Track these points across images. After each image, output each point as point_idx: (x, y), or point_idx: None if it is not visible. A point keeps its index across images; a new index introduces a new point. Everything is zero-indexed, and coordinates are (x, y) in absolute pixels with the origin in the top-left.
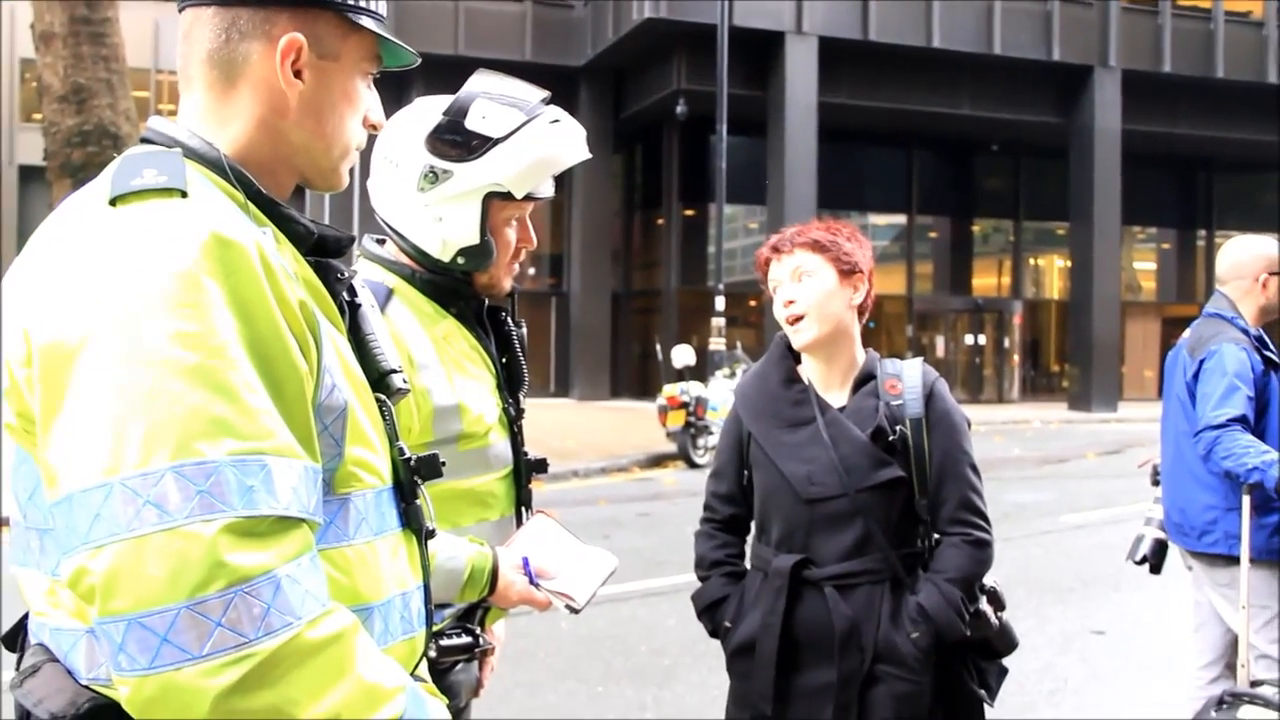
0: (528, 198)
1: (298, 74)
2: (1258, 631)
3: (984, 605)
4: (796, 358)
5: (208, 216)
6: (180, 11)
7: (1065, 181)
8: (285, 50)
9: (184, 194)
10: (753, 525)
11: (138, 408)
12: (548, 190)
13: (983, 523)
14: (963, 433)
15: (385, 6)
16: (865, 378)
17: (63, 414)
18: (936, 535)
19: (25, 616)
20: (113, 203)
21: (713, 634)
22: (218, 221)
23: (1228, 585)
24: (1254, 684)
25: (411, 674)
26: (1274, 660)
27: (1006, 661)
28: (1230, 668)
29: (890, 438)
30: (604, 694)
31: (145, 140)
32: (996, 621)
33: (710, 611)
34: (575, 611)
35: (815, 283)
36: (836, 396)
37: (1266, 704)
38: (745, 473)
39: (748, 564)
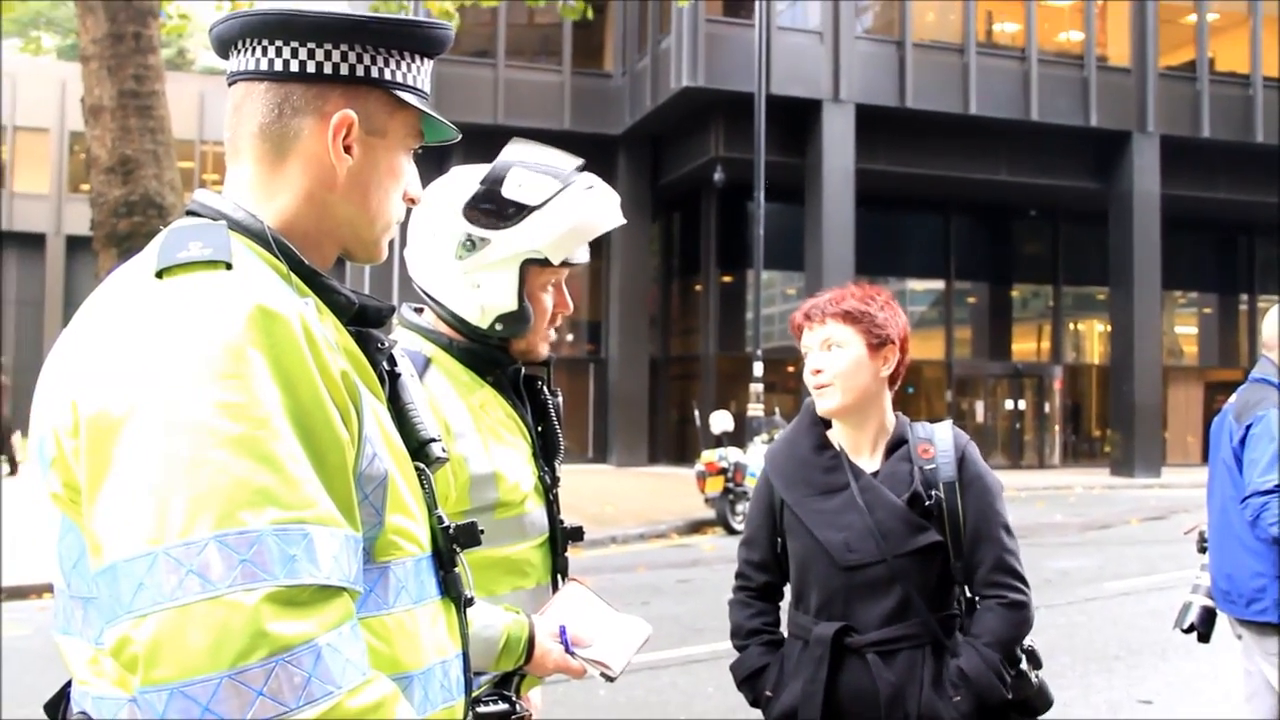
0: (564, 264)
1: (347, 149)
2: None
3: (1024, 665)
4: (826, 424)
5: (252, 288)
6: (230, 85)
7: (1104, 247)
8: (338, 126)
9: (229, 266)
10: (788, 592)
11: (181, 477)
12: (583, 256)
13: (1019, 584)
14: (996, 495)
15: (429, 84)
16: (897, 443)
17: (108, 484)
18: (973, 597)
19: (68, 684)
20: (159, 275)
21: (753, 703)
22: (262, 293)
23: (1279, 654)
24: None
25: None
26: None
27: None
28: None
29: (927, 503)
30: None
31: (191, 213)
32: (1036, 680)
33: (751, 681)
34: (611, 679)
35: (844, 354)
36: (867, 462)
37: None
38: (778, 540)
39: (784, 630)
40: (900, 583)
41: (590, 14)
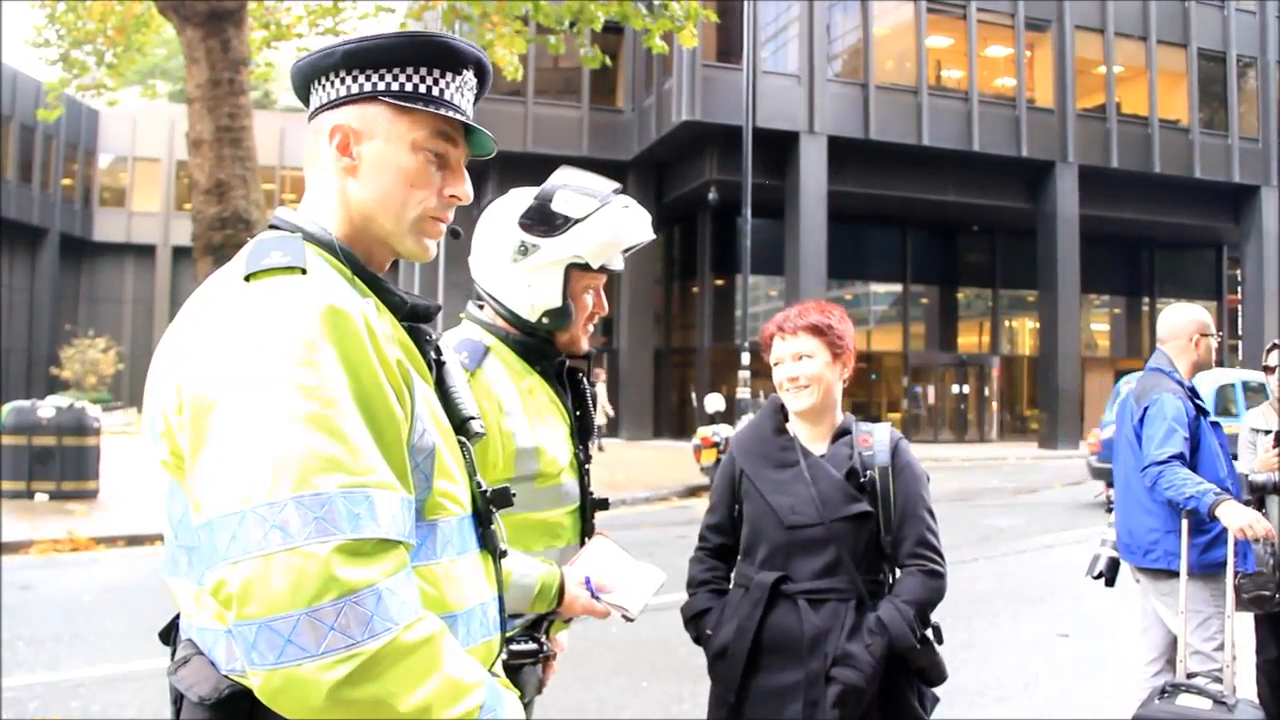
0: (602, 269)
1: (352, 155)
2: (1193, 633)
3: (929, 635)
4: (786, 416)
5: (323, 290)
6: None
7: (1034, 257)
8: (330, 134)
9: (304, 271)
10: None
11: (266, 448)
12: (618, 264)
13: (937, 557)
14: (922, 483)
15: (456, 90)
16: (842, 432)
17: (205, 452)
18: (897, 568)
19: (177, 617)
20: (247, 279)
21: (696, 640)
22: (331, 294)
23: (1169, 594)
24: (1189, 676)
25: (489, 671)
26: (1206, 656)
27: (988, 659)
28: (1170, 663)
29: (861, 479)
30: (648, 688)
31: (273, 227)
32: (937, 653)
33: (695, 620)
34: (630, 620)
35: (813, 362)
36: (818, 448)
37: (1200, 692)
38: (736, 506)
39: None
40: (834, 543)
41: (608, 62)
